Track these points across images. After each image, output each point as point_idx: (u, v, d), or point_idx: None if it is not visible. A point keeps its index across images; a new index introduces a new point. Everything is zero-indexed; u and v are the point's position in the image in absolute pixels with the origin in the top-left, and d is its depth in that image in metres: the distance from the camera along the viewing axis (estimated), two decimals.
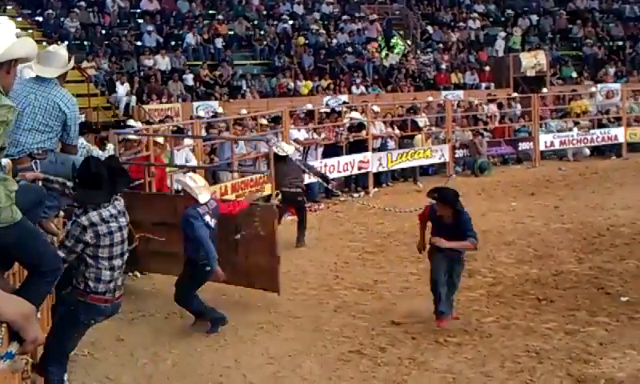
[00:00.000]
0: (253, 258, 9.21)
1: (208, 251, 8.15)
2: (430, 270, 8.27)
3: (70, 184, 5.77)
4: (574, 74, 28.42)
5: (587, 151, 22.38)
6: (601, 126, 22.73)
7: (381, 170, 18.74)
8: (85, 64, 21.64)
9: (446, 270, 8.18)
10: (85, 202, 5.63)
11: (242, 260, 9.24)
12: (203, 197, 8.33)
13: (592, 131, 22.30)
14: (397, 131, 19.81)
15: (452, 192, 8.34)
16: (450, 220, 8.07)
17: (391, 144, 19.51)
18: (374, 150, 18.71)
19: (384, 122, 20.01)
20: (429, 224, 8.54)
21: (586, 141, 22.18)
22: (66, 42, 20.57)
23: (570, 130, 22.30)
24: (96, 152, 10.36)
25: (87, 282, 5.64)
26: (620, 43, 30.94)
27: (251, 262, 9.24)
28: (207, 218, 8.32)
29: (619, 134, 22.35)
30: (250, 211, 9.25)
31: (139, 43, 24.94)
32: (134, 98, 21.56)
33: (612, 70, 28.51)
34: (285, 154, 12.36)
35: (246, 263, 9.24)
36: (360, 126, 18.91)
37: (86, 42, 24.36)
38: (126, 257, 5.85)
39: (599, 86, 26.59)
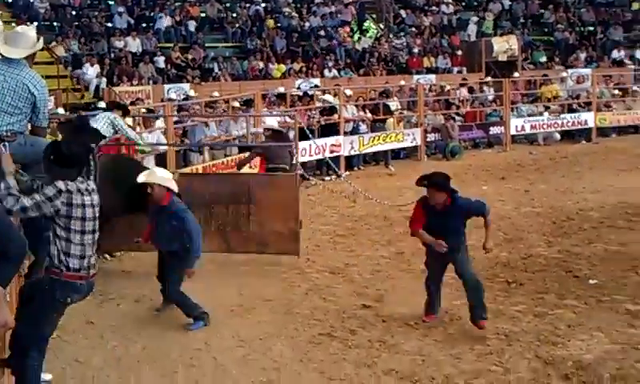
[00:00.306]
0: (269, 224, 10.08)
1: (198, 243, 8.05)
2: (427, 274, 8.14)
3: (39, 182, 5.72)
4: (544, 59, 28.55)
5: (557, 136, 22.58)
6: (571, 110, 22.94)
7: (353, 153, 18.76)
8: (53, 44, 21.38)
9: (442, 273, 8.00)
10: (57, 178, 5.61)
11: (256, 228, 10.11)
12: (173, 185, 8.22)
13: (562, 116, 22.50)
14: (369, 115, 19.83)
15: (442, 175, 7.76)
16: (442, 208, 7.56)
17: (363, 127, 19.52)
18: (345, 134, 18.72)
19: (356, 106, 20.03)
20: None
21: (556, 125, 22.37)
22: (36, 23, 20.37)
23: (541, 114, 22.50)
24: (121, 124, 10.63)
25: (60, 256, 5.59)
26: (591, 28, 31.13)
27: (267, 229, 10.10)
28: None
29: (589, 118, 22.57)
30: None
31: (110, 25, 24.69)
32: (104, 79, 21.36)
33: (583, 55, 28.70)
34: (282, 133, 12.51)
35: (261, 230, 10.12)
36: (332, 110, 18.90)
37: (55, 23, 24.05)
38: (97, 236, 5.82)
39: (570, 71, 26.77)
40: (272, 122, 13.98)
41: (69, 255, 5.60)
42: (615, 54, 29.03)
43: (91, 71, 21.49)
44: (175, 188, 8.20)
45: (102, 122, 10.83)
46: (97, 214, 5.75)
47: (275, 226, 10.12)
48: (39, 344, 5.74)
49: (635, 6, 32.60)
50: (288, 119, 17.48)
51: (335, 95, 19.61)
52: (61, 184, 5.50)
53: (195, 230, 8.04)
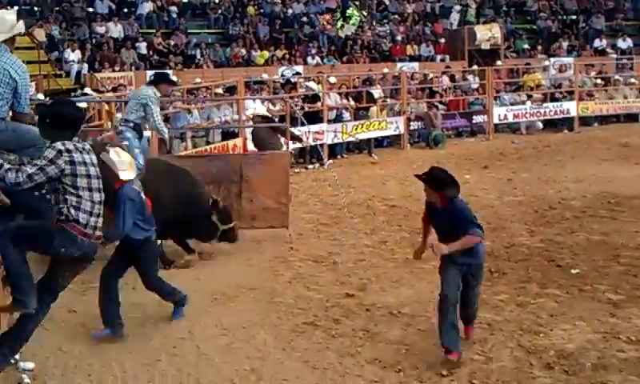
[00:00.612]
0: (259, 200, 10.67)
1: (118, 233, 7.33)
2: (441, 284, 6.82)
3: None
4: (527, 46, 28.59)
5: (540, 124, 22.64)
6: (553, 99, 22.99)
7: (336, 141, 18.72)
8: (33, 29, 21.22)
9: (459, 285, 6.84)
10: (52, 140, 5.80)
11: (247, 204, 10.62)
12: (125, 174, 7.26)
13: (545, 105, 22.56)
14: (352, 103, 19.81)
15: (444, 174, 6.82)
16: (442, 206, 6.73)
17: (346, 115, 19.50)
18: (329, 122, 18.68)
19: (339, 94, 19.99)
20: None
21: (538, 114, 22.43)
22: (16, 8, 20.20)
23: (524, 103, 22.53)
24: (154, 112, 9.88)
25: (69, 209, 5.75)
26: (574, 17, 31.22)
27: (256, 205, 10.68)
28: (143, 195, 7.55)
29: (571, 107, 22.64)
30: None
31: (91, 10, 24.52)
32: (85, 65, 21.22)
33: (565, 44, 28.77)
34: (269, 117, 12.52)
35: (251, 207, 10.65)
36: (315, 98, 18.85)
37: (36, 8, 23.89)
38: (103, 196, 5.98)
39: (552, 59, 26.83)
40: (261, 108, 14.01)
41: (79, 209, 5.78)
42: (597, 42, 29.16)
43: (72, 57, 21.35)
44: (122, 174, 7.26)
45: (133, 103, 9.94)
46: (99, 174, 5.93)
47: (266, 201, 10.70)
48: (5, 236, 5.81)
49: None
50: (271, 106, 17.47)
51: (318, 82, 19.56)
52: (59, 145, 5.68)
53: (121, 225, 7.24)
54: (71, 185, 5.72)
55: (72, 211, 5.75)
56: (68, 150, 5.66)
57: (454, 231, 6.65)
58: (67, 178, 5.70)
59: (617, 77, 24.51)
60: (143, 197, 7.55)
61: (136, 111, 9.77)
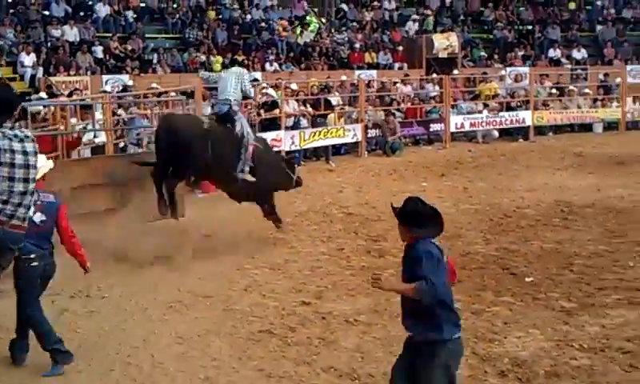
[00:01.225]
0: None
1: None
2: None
3: None
4: (483, 54, 28.86)
5: (496, 133, 22.84)
6: (509, 108, 23.24)
7: (293, 148, 18.69)
8: None
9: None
10: None
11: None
12: None
13: (501, 114, 22.78)
14: (310, 110, 19.80)
15: (416, 205, 5.31)
16: (406, 250, 5.21)
17: (304, 122, 19.49)
18: (286, 129, 18.65)
19: (297, 101, 19.97)
20: None
21: (494, 123, 22.64)
22: None
23: (480, 112, 22.72)
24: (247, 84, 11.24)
25: None
26: (529, 27, 31.61)
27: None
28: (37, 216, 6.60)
29: (527, 117, 22.89)
30: None
31: (47, 13, 24.21)
32: (40, 69, 20.95)
33: (520, 54, 29.11)
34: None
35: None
36: (274, 104, 18.81)
37: None
38: (31, 187, 5.64)
39: (508, 69, 27.13)
40: None
41: None
42: (552, 53, 29.54)
43: (27, 60, 21.06)
44: None
45: (232, 80, 11.10)
46: (31, 164, 5.58)
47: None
48: None
49: (572, 5, 33.21)
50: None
51: (277, 88, 19.50)
52: None
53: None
54: None
55: None
56: None
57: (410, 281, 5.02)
58: None
59: (571, 87, 24.84)
60: (35, 218, 6.54)
61: (237, 87, 11.13)
